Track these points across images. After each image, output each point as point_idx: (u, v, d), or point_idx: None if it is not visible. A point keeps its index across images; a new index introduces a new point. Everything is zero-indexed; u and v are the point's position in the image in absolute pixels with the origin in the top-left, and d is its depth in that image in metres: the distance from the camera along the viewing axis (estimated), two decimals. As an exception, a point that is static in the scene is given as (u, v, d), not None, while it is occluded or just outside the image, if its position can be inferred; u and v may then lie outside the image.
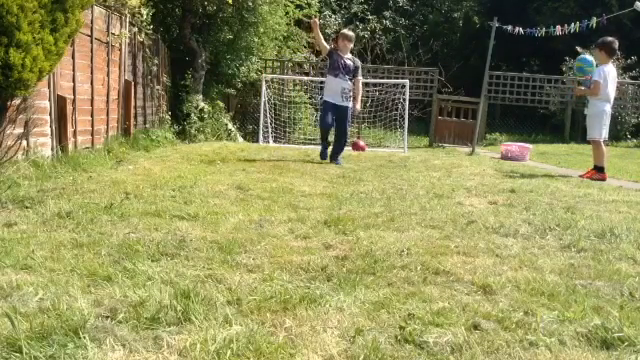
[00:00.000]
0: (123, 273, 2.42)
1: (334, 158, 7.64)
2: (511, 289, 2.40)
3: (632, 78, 17.67)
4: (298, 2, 15.50)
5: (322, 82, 15.47)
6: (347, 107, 7.75)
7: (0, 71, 4.28)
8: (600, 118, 6.88)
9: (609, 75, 6.89)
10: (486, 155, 11.06)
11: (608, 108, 6.93)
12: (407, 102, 13.15)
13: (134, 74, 8.99)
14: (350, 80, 7.77)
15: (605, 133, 6.93)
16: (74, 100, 6.36)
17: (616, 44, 6.95)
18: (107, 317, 1.94)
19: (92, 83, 6.99)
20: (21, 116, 5.05)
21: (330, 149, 7.87)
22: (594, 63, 7.05)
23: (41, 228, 3.20)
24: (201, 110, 12.08)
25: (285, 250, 2.91)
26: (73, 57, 6.27)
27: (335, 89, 7.72)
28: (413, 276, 2.54)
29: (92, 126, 7.06)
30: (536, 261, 2.85)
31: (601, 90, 6.79)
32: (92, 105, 7.03)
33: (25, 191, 4.21)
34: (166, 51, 11.62)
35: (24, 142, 5.20)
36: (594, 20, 10.25)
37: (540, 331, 1.96)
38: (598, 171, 6.82)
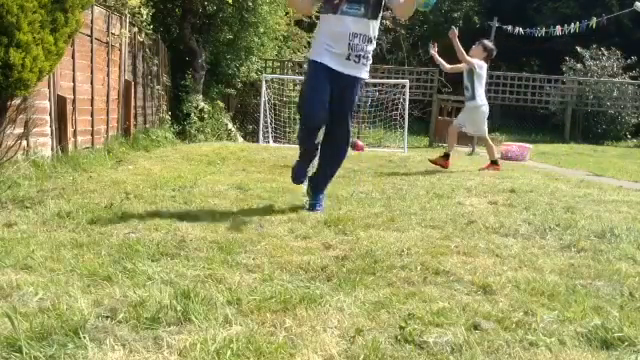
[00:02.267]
0: (123, 273, 2.42)
1: (316, 191, 4.11)
2: (511, 289, 2.40)
3: (632, 78, 17.68)
4: (298, 2, 15.48)
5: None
6: (357, 80, 3.86)
7: (0, 71, 4.28)
8: (485, 116, 7.17)
9: (483, 72, 7.02)
10: (486, 155, 11.05)
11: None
12: (407, 102, 13.16)
13: (134, 74, 8.99)
14: (373, 17, 3.78)
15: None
16: (74, 100, 6.36)
17: (495, 52, 7.23)
18: (107, 317, 1.94)
19: (92, 83, 6.99)
20: (21, 116, 5.05)
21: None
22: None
23: (41, 228, 3.20)
24: (201, 110, 12.09)
25: (285, 250, 2.91)
26: (73, 57, 6.27)
27: (337, 38, 3.74)
28: (413, 276, 2.54)
29: (92, 126, 7.06)
30: (536, 261, 2.85)
31: (480, 76, 6.95)
32: (92, 105, 7.04)
33: (25, 191, 4.21)
34: (166, 51, 11.62)
35: (24, 142, 5.20)
36: (594, 20, 10.26)
37: (540, 331, 1.96)
38: (494, 164, 7.15)
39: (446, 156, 7.06)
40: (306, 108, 3.89)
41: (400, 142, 13.12)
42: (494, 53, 7.18)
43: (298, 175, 4.22)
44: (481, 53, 7.00)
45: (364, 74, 3.92)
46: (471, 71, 6.93)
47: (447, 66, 7.34)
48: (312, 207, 4.01)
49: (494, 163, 7.17)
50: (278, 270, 2.57)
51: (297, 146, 4.36)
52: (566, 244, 3.21)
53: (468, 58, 6.86)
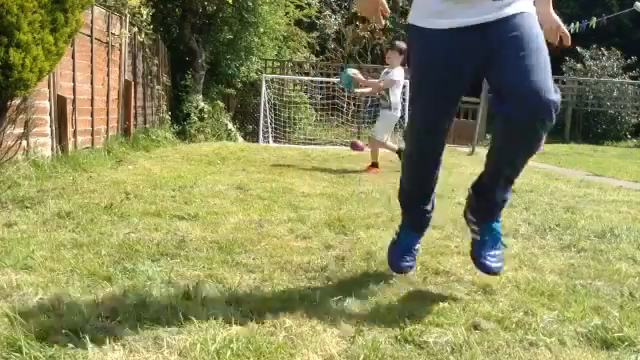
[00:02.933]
0: (123, 273, 2.42)
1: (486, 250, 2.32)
2: (511, 289, 2.39)
3: (632, 78, 17.68)
4: (298, 2, 15.50)
5: (322, 82, 15.50)
6: (522, 17, 2.11)
7: (0, 71, 4.28)
8: (393, 125, 7.24)
9: (401, 79, 7.02)
10: (484, 153, 11.04)
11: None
12: (407, 102, 13.14)
13: (134, 74, 8.99)
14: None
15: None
16: (74, 100, 6.36)
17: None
18: (107, 317, 1.94)
19: (92, 83, 6.99)
20: (21, 116, 5.05)
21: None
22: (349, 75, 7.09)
23: (41, 228, 3.19)
24: (201, 110, 12.09)
25: (285, 250, 2.91)
26: (73, 57, 6.27)
27: None
28: (413, 276, 2.54)
29: (92, 126, 7.06)
30: (536, 261, 2.85)
31: (397, 86, 6.96)
32: (92, 105, 7.04)
33: (25, 191, 4.21)
34: (166, 51, 11.62)
35: (24, 142, 5.20)
36: (594, 20, 10.27)
37: (540, 331, 1.96)
38: (375, 166, 7.03)
39: (374, 164, 7.01)
40: (419, 121, 2.31)
41: (400, 142, 13.10)
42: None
43: (400, 252, 2.52)
44: (398, 58, 6.93)
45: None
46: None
47: (367, 90, 7.39)
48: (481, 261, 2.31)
49: (374, 165, 7.04)
50: (278, 270, 2.57)
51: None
52: (566, 244, 3.21)
53: (382, 84, 6.93)
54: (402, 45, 7.07)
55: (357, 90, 7.35)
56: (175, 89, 12.12)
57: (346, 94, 14.20)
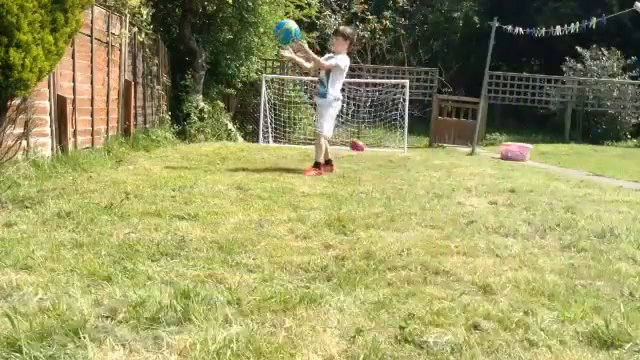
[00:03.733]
0: (123, 273, 2.42)
1: None
2: (511, 289, 2.40)
3: (632, 78, 17.67)
4: (298, 2, 15.50)
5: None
6: None
7: (0, 71, 4.28)
8: (334, 117, 6.68)
9: (344, 65, 6.47)
10: (486, 155, 11.06)
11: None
12: (407, 102, 13.14)
13: (134, 74, 8.99)
14: None
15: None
16: (74, 100, 6.36)
17: (355, 36, 6.70)
18: (107, 317, 1.94)
19: (92, 83, 6.98)
20: (21, 116, 5.05)
21: None
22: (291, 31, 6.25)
23: (41, 228, 3.19)
24: (201, 110, 12.08)
25: (285, 250, 2.91)
26: (73, 57, 6.27)
27: None
28: (413, 276, 2.54)
29: (92, 126, 7.05)
30: (536, 261, 2.85)
31: (340, 74, 6.39)
32: (92, 105, 7.03)
33: (25, 191, 4.21)
34: (166, 51, 11.61)
35: (24, 142, 5.19)
36: (594, 20, 10.27)
37: (540, 331, 1.96)
38: (317, 167, 6.38)
39: (327, 162, 6.56)
40: None
41: (400, 142, 13.09)
42: (354, 37, 6.68)
43: None
44: (344, 44, 6.42)
45: None
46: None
47: (307, 64, 6.65)
48: None
49: (317, 166, 6.38)
50: (278, 270, 2.57)
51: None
52: (566, 244, 3.21)
53: (327, 64, 6.32)
54: (347, 30, 6.67)
55: (294, 58, 6.61)
56: (175, 89, 12.11)
57: (346, 94, 14.21)
